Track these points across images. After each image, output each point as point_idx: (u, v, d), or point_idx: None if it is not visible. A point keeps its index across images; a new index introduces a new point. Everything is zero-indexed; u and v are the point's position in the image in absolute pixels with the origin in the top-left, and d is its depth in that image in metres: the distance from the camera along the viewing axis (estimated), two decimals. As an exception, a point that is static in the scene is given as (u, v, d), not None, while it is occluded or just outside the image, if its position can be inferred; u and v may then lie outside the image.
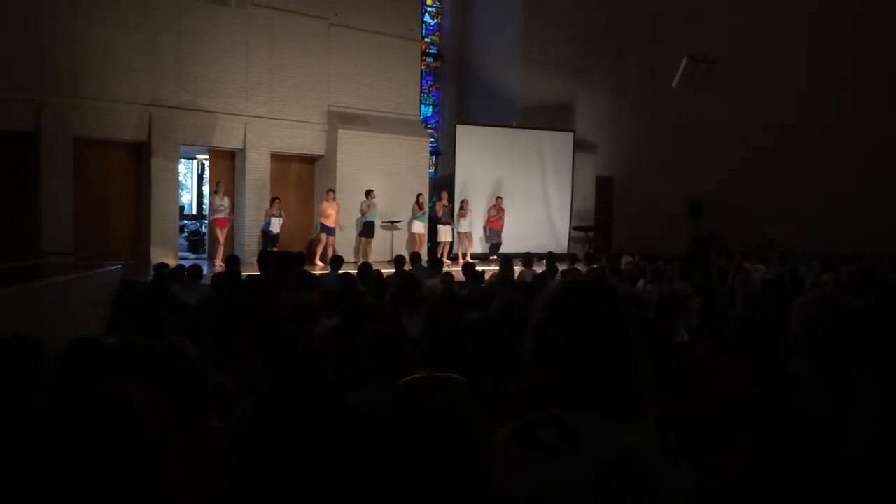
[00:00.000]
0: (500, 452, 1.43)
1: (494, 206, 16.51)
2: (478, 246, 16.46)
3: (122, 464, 1.25)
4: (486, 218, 16.53)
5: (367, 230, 14.74)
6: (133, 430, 1.27)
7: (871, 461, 1.92)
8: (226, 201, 13.70)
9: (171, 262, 10.87)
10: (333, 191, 14.69)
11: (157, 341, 2.33)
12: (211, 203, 14.07)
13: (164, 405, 1.35)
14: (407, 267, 10.38)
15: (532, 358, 1.54)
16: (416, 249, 14.74)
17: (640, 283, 8.96)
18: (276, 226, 13.79)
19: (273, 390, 2.29)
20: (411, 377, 1.49)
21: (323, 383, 2.44)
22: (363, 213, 14.79)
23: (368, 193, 14.74)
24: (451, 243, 15.91)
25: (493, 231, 16.40)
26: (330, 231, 14.30)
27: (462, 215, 15.88)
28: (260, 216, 14.20)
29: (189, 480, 1.37)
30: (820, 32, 17.37)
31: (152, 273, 9.23)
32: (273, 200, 14.00)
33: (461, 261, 14.39)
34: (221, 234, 13.56)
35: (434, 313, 3.58)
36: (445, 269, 10.54)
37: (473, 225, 16.18)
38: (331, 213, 14.31)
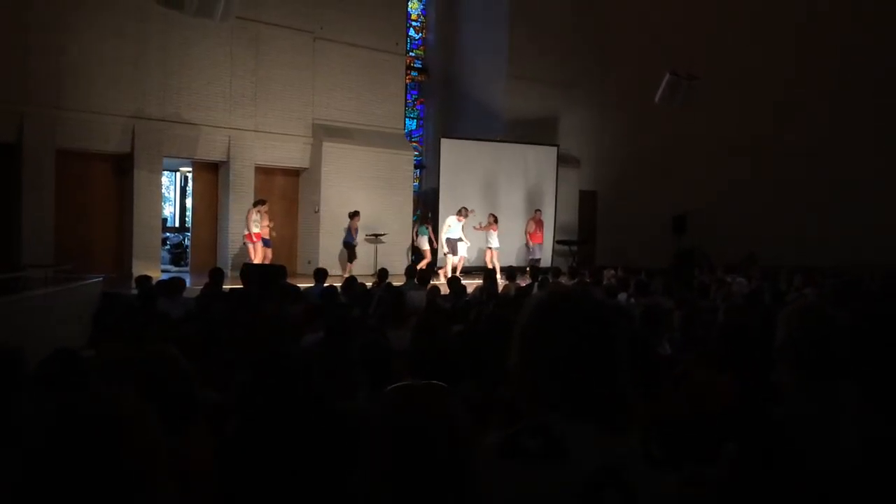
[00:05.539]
0: (487, 463, 1.43)
1: (534, 219, 16.54)
2: (513, 259, 16.32)
3: (109, 475, 1.23)
4: (526, 233, 16.59)
5: (348, 253, 14.66)
6: (121, 442, 1.26)
7: (854, 470, 1.93)
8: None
9: (154, 275, 10.79)
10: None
11: (144, 348, 2.30)
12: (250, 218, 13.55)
13: (151, 415, 1.33)
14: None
15: (517, 366, 1.54)
16: (424, 264, 14.39)
17: (623, 296, 8.98)
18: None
19: (259, 403, 2.28)
20: (398, 385, 1.48)
21: (308, 396, 2.43)
22: (352, 233, 14.71)
23: (353, 216, 14.67)
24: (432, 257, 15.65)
25: (536, 246, 16.39)
26: (267, 242, 13.86)
27: (490, 231, 15.47)
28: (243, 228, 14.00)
29: (176, 493, 1.36)
30: (805, 47, 17.61)
31: (134, 286, 9.15)
32: (262, 202, 13.68)
33: (499, 274, 13.14)
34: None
35: (424, 325, 3.58)
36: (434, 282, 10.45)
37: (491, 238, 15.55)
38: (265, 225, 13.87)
